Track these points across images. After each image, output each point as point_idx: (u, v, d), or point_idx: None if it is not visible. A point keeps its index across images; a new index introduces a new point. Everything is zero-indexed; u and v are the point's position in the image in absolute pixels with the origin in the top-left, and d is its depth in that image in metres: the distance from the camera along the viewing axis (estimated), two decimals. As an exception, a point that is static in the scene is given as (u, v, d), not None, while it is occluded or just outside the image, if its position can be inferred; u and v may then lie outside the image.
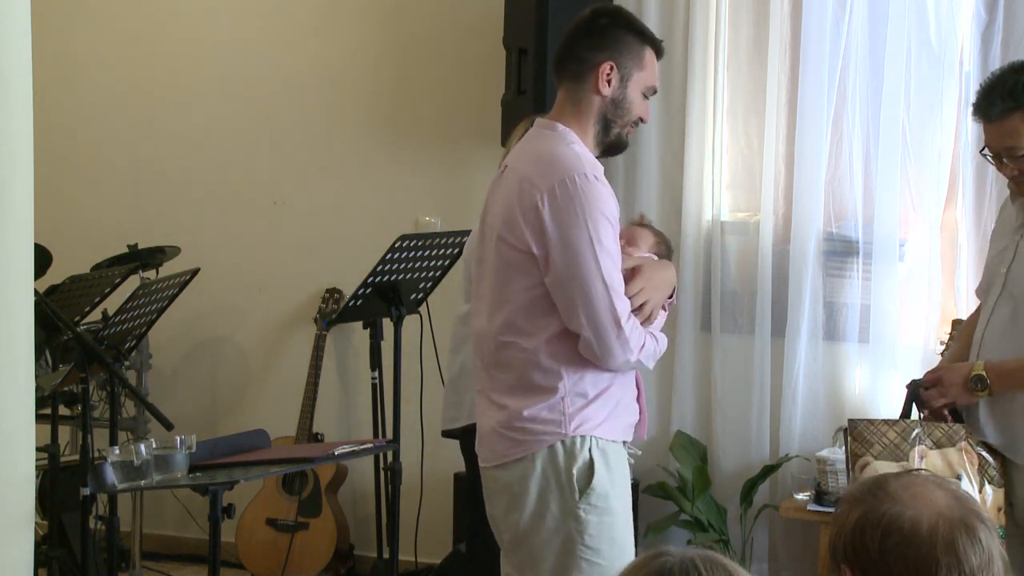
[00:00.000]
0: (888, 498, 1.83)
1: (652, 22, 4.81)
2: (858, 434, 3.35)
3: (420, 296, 4.53)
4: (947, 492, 1.84)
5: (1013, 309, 3.14)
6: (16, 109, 2.92)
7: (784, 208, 4.77)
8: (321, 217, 5.53)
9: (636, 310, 2.99)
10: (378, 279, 4.33)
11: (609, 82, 3.02)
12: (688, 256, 4.79)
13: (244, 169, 5.64)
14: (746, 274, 4.81)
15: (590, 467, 2.96)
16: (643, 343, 2.97)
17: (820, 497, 4.43)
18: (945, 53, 4.50)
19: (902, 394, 4.60)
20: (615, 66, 3.02)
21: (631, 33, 3.06)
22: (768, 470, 4.70)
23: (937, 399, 3.27)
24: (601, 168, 3.02)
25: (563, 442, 2.96)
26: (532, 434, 2.97)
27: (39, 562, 3.99)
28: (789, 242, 4.72)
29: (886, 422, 3.33)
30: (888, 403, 4.60)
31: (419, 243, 4.39)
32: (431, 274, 4.50)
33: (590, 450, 2.97)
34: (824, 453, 4.51)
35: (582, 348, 2.94)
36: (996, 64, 4.32)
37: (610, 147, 3.10)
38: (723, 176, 4.87)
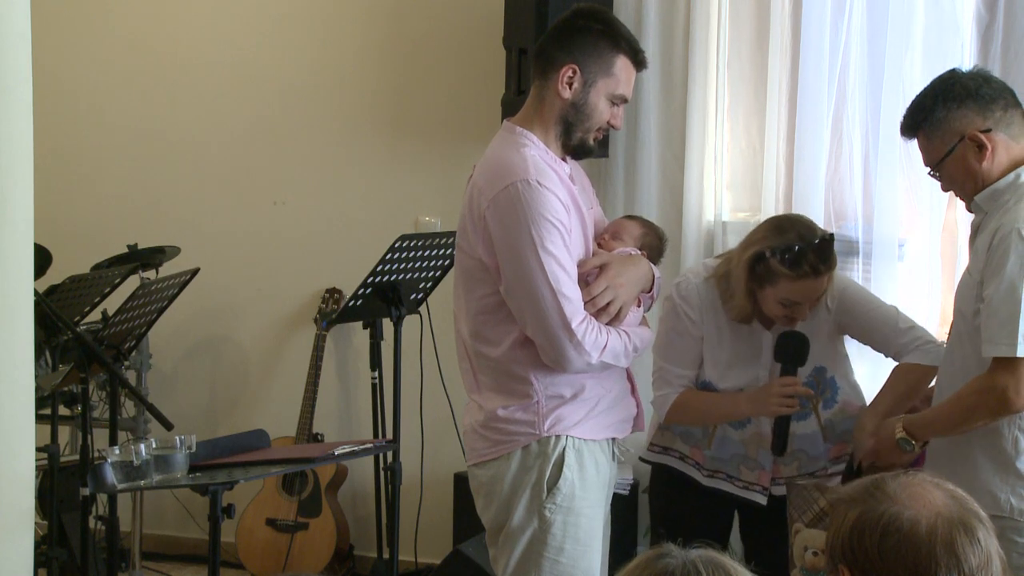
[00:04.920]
0: (886, 498, 1.83)
1: (652, 22, 4.82)
2: (794, 498, 3.38)
3: (420, 296, 4.53)
4: (945, 492, 1.84)
5: (955, 327, 3.14)
6: (16, 109, 2.92)
7: (784, 208, 4.76)
8: (321, 217, 5.53)
9: (602, 310, 2.98)
10: (378, 279, 4.33)
11: (570, 85, 2.99)
12: (690, 256, 4.79)
13: (244, 169, 5.64)
14: (746, 274, 4.81)
15: (560, 467, 2.98)
16: (604, 344, 2.95)
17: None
18: (945, 53, 4.50)
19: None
20: (578, 70, 2.98)
21: (605, 38, 3.00)
22: (768, 470, 4.69)
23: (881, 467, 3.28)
24: (557, 171, 2.98)
25: (538, 442, 2.99)
26: (507, 434, 3.00)
27: (39, 562, 4.00)
28: (789, 242, 4.72)
29: (818, 487, 3.34)
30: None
31: (419, 243, 4.39)
32: (431, 274, 4.50)
33: (564, 450, 2.99)
34: (824, 453, 4.50)
35: (540, 354, 2.95)
36: (996, 64, 4.33)
37: (575, 150, 3.07)
38: (724, 176, 4.87)
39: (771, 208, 4.72)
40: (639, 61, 3.06)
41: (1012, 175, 2.99)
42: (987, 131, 2.99)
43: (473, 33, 5.23)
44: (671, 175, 4.88)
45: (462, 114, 5.29)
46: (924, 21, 4.52)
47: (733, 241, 4.83)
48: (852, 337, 3.60)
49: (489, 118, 4.91)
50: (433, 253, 4.43)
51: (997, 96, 3.03)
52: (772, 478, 3.50)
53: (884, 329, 3.48)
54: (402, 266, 4.36)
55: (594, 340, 2.93)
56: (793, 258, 3.29)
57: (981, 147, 2.99)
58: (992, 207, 3.00)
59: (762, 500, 3.50)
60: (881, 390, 3.50)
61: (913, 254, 4.64)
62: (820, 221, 4.68)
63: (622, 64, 3.02)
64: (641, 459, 3.72)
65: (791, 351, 3.40)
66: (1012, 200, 2.97)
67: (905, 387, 3.44)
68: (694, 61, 4.79)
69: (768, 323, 3.46)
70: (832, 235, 3.37)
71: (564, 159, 3.08)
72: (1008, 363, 2.88)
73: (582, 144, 3.05)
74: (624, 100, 3.07)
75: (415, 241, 4.39)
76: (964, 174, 3.04)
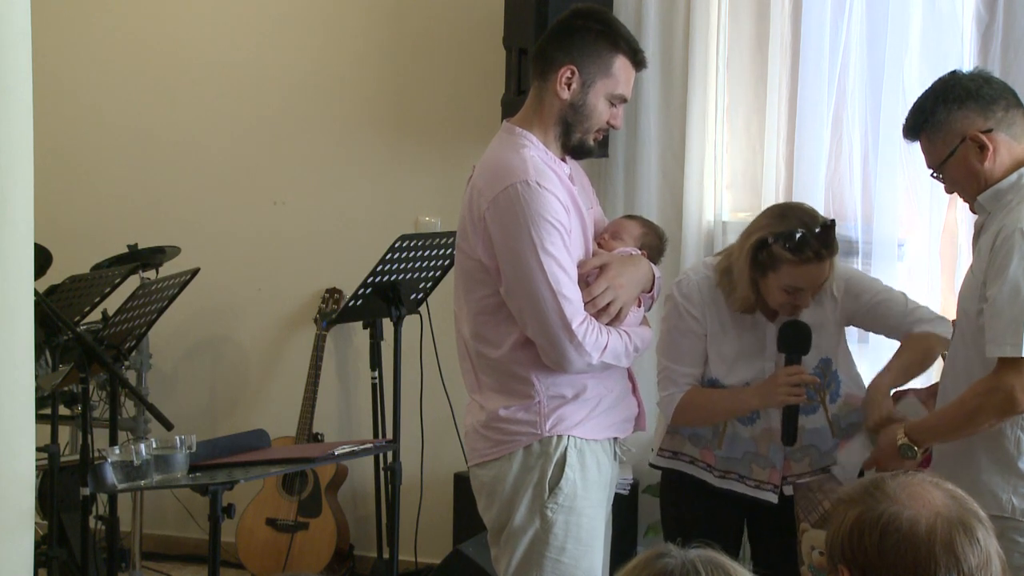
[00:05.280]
0: (886, 498, 1.83)
1: (652, 22, 4.82)
2: (800, 499, 3.39)
3: (420, 296, 4.53)
4: (944, 492, 1.83)
5: (959, 328, 3.13)
6: (16, 109, 2.92)
7: (784, 208, 4.77)
8: (321, 217, 5.53)
9: (602, 310, 2.98)
10: (378, 279, 4.33)
11: (568, 86, 2.98)
12: (690, 256, 4.79)
13: (244, 169, 5.64)
14: (747, 274, 4.80)
15: (562, 467, 2.98)
16: (605, 344, 2.95)
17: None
18: (945, 53, 4.50)
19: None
20: (576, 70, 2.97)
21: (604, 39, 3.00)
22: (768, 470, 4.69)
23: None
24: (557, 172, 2.98)
25: (540, 442, 2.98)
26: (509, 434, 3.00)
27: (39, 562, 3.99)
28: (789, 242, 4.72)
29: (821, 489, 3.36)
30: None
31: (419, 243, 4.39)
32: (431, 274, 4.50)
33: (566, 450, 2.99)
34: (824, 453, 4.50)
35: (540, 354, 2.95)
36: (996, 64, 4.33)
37: (575, 151, 3.06)
38: (724, 176, 4.87)
39: (771, 208, 4.73)
40: (638, 61, 3.05)
41: (1015, 175, 2.99)
42: (988, 131, 2.99)
43: (473, 33, 5.23)
44: (671, 175, 4.88)
45: (462, 114, 5.29)
46: (924, 21, 4.53)
47: (733, 241, 4.84)
48: (859, 326, 3.61)
49: (489, 118, 4.91)
50: (433, 253, 4.43)
51: (998, 96, 3.02)
52: (783, 476, 3.49)
53: (894, 311, 3.49)
54: (402, 266, 4.36)
55: (594, 340, 2.93)
56: (796, 243, 3.29)
57: (983, 147, 2.99)
58: (995, 207, 3.00)
59: (773, 499, 3.49)
60: (891, 359, 3.47)
61: (913, 254, 4.64)
62: (820, 221, 4.70)
63: (621, 64, 3.02)
64: (651, 464, 3.71)
65: (795, 340, 3.41)
66: (1015, 200, 2.97)
67: (913, 355, 3.42)
68: (694, 61, 4.79)
69: (771, 315, 3.46)
70: (834, 221, 3.36)
71: (564, 159, 3.08)
72: (1014, 363, 2.88)
73: (581, 144, 3.05)
74: (623, 100, 3.06)
75: (415, 241, 4.39)
76: (966, 175, 3.03)
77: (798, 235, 3.30)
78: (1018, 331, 2.86)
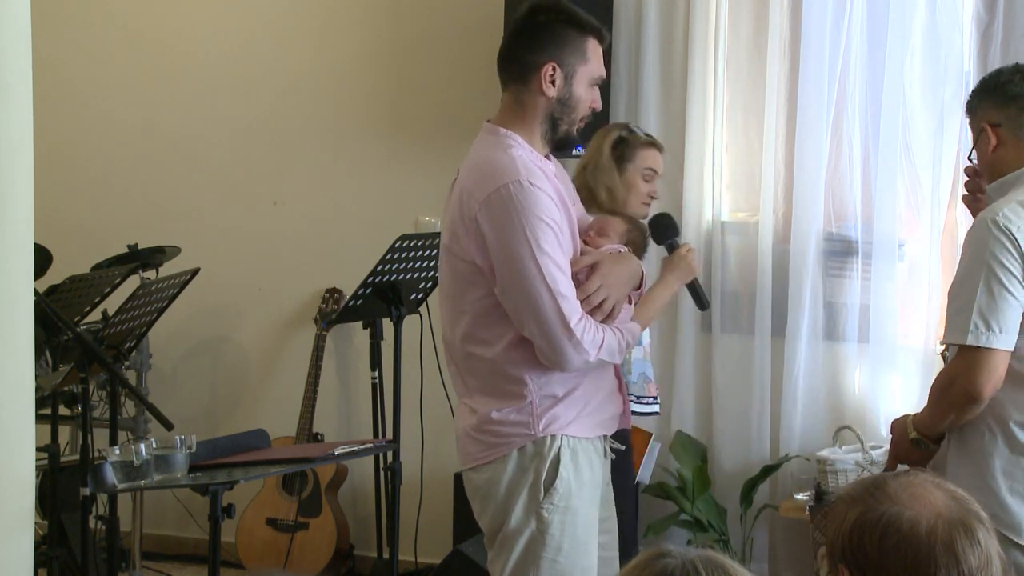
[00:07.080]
0: (886, 498, 1.82)
1: (652, 22, 4.83)
2: (819, 520, 3.37)
3: (420, 296, 4.53)
4: (946, 492, 1.83)
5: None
6: (16, 109, 2.92)
7: (784, 208, 4.77)
8: (321, 217, 5.54)
9: (595, 308, 2.99)
10: (378, 279, 4.33)
11: (553, 83, 2.99)
12: (688, 256, 4.79)
13: (244, 169, 5.64)
14: (746, 274, 4.81)
15: (556, 467, 2.97)
16: (601, 341, 2.95)
17: (820, 497, 4.42)
18: (945, 53, 4.51)
19: (902, 395, 4.63)
20: (557, 66, 2.99)
21: (571, 27, 3.01)
22: (768, 470, 4.70)
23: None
24: (544, 171, 2.99)
25: (533, 443, 2.98)
26: (502, 436, 2.99)
27: (39, 562, 3.99)
28: (789, 242, 4.72)
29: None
30: (887, 403, 4.60)
31: (419, 243, 4.40)
32: (431, 274, 4.50)
33: (559, 450, 2.98)
34: (824, 453, 4.50)
35: (538, 354, 2.94)
36: (996, 64, 4.33)
37: (559, 144, 3.08)
38: (723, 176, 4.87)
39: (770, 208, 4.73)
40: (603, 38, 3.08)
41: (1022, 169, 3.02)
42: (997, 126, 3.01)
43: (473, 33, 5.23)
44: (670, 175, 4.86)
45: (462, 114, 5.28)
46: (924, 21, 4.53)
47: (732, 241, 4.86)
48: None
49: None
50: (433, 253, 4.44)
51: (1019, 94, 3.04)
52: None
53: None
54: (402, 266, 4.37)
55: (592, 338, 2.93)
56: (643, 131, 3.98)
57: (989, 140, 3.02)
58: (998, 198, 3.03)
59: (658, 408, 4.04)
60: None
61: (913, 254, 4.65)
62: (820, 221, 4.70)
63: (592, 47, 3.04)
64: None
65: (667, 227, 3.58)
66: (1012, 192, 2.99)
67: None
68: (694, 61, 4.79)
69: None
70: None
71: (548, 157, 3.09)
72: (960, 351, 2.91)
73: (567, 137, 3.07)
74: (602, 79, 3.08)
75: (415, 241, 4.39)
76: (981, 161, 3.11)
77: (638, 127, 4.00)
78: (967, 319, 2.88)
